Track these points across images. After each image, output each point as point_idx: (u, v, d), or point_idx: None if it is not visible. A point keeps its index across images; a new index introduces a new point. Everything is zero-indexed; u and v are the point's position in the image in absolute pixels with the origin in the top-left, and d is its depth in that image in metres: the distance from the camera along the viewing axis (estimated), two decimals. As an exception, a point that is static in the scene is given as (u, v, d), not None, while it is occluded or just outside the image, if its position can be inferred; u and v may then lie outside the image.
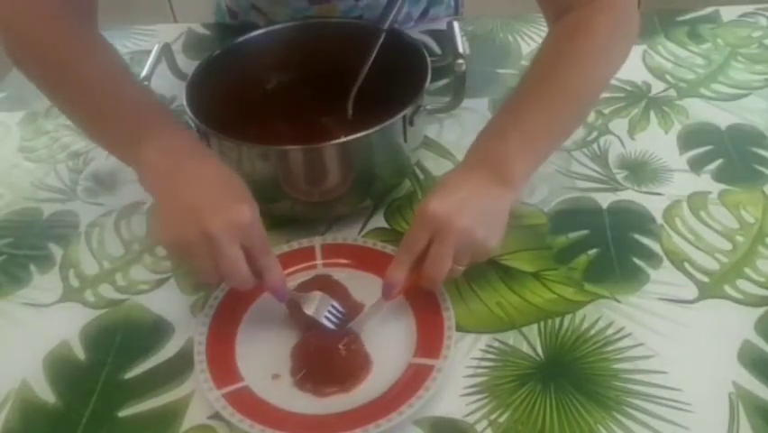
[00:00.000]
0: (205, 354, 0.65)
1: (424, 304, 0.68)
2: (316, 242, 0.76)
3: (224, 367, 0.65)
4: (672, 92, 0.95)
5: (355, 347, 0.66)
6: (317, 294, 0.68)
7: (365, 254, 0.74)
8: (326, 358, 0.65)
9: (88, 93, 0.68)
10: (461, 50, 0.76)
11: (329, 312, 0.67)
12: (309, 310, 0.66)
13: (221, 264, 0.61)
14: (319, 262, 0.74)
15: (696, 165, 0.84)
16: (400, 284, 0.65)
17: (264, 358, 0.66)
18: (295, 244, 0.76)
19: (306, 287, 0.71)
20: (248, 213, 0.61)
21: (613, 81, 0.96)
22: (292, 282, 0.72)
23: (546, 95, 0.68)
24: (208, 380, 0.63)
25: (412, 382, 0.62)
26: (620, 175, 0.83)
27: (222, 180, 0.65)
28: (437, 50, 1.04)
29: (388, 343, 0.67)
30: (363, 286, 0.71)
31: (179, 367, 0.67)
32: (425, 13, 1.11)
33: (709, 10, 1.10)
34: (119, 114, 0.68)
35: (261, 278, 0.64)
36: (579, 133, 0.89)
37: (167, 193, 0.64)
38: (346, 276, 0.72)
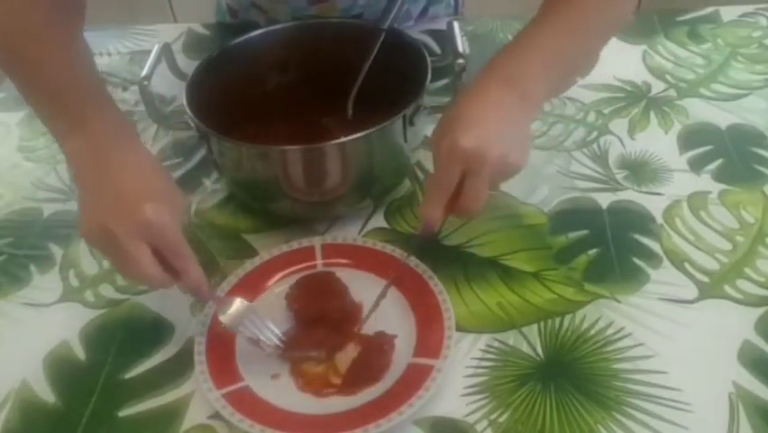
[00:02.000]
0: (205, 354, 0.65)
1: (423, 304, 0.68)
2: (316, 242, 0.76)
3: (224, 367, 0.65)
4: (672, 92, 0.95)
5: (387, 348, 0.66)
6: (238, 300, 0.66)
7: (365, 254, 0.74)
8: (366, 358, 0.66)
9: (36, 77, 0.67)
10: (461, 49, 0.76)
11: (255, 325, 0.65)
12: (223, 318, 0.65)
13: (123, 263, 0.60)
14: (319, 262, 0.74)
15: (696, 165, 0.84)
16: (440, 222, 0.65)
17: (264, 358, 0.66)
18: (295, 244, 0.76)
19: (307, 283, 0.71)
20: (154, 213, 0.59)
21: (613, 81, 0.97)
22: (292, 278, 0.72)
23: (564, 24, 0.67)
24: (208, 380, 0.63)
25: (412, 382, 0.62)
26: (620, 175, 0.83)
27: (142, 175, 0.63)
28: (437, 50, 1.04)
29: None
30: (363, 286, 0.71)
31: (179, 367, 0.67)
32: (424, 11, 1.11)
33: (709, 10, 1.10)
34: (55, 98, 0.66)
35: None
36: (579, 133, 0.89)
37: (85, 185, 0.64)
38: (346, 276, 0.72)
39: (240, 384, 0.64)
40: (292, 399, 0.63)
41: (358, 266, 0.73)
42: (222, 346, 0.67)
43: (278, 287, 0.72)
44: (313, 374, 0.65)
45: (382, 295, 0.70)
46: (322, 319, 0.68)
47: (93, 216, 0.61)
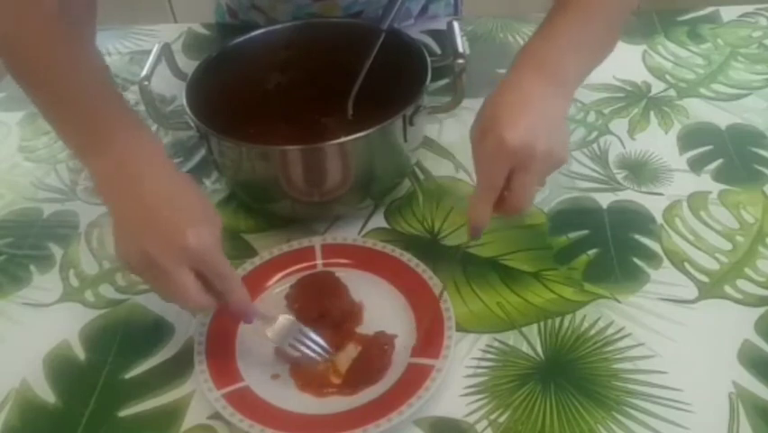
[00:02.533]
0: (205, 354, 0.65)
1: (423, 304, 0.68)
2: (316, 242, 0.76)
3: (223, 367, 0.65)
4: (672, 92, 0.95)
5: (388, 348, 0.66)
6: (285, 318, 0.66)
7: (365, 254, 0.74)
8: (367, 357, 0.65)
9: (54, 92, 0.64)
10: (460, 50, 0.75)
11: (301, 341, 0.65)
12: (272, 335, 0.65)
13: (167, 289, 0.59)
14: (319, 262, 0.74)
15: (696, 165, 0.84)
16: (487, 222, 0.63)
17: (264, 358, 0.66)
18: (295, 244, 0.76)
19: (306, 283, 0.71)
20: (197, 238, 0.58)
21: (613, 81, 0.97)
22: (292, 278, 0.72)
23: (586, 9, 0.67)
24: (208, 380, 0.63)
25: (412, 382, 0.62)
26: (620, 175, 0.83)
27: (178, 196, 0.61)
28: (437, 50, 1.04)
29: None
30: (363, 286, 0.71)
31: (179, 367, 0.67)
32: (424, 9, 1.11)
33: (709, 10, 1.10)
34: (76, 114, 0.64)
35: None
36: (579, 133, 0.89)
37: (117, 206, 0.61)
38: (346, 276, 0.72)
39: (240, 384, 0.64)
40: (292, 399, 0.63)
41: (358, 266, 0.73)
42: (222, 346, 0.67)
43: (278, 287, 0.72)
44: (313, 374, 0.64)
45: None
46: (322, 319, 0.68)
47: (132, 241, 0.59)
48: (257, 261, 0.74)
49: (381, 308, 0.69)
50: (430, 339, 0.65)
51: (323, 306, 0.68)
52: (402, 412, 0.59)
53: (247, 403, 0.62)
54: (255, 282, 0.72)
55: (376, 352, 0.65)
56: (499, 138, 0.60)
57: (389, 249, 0.74)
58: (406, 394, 0.61)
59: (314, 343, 0.65)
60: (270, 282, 0.73)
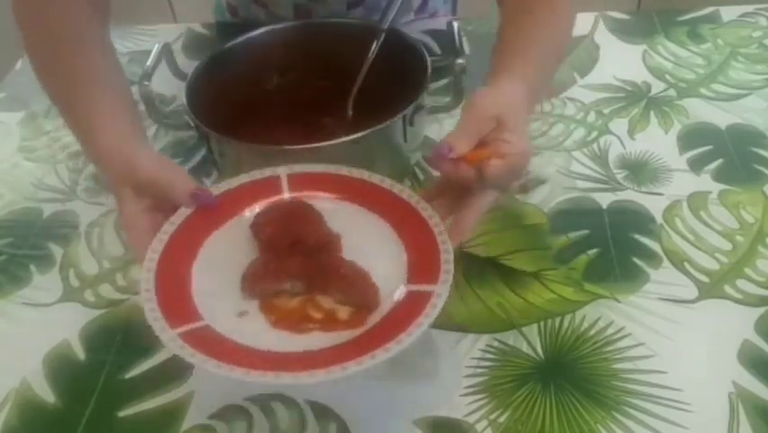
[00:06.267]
0: (155, 290, 0.56)
1: (412, 230, 0.61)
2: (281, 171, 0.66)
3: (177, 306, 0.56)
4: (672, 92, 0.95)
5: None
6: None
7: (341, 184, 0.65)
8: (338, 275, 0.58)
9: (74, 87, 0.70)
10: (461, 49, 0.75)
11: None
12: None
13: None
14: (286, 196, 0.66)
15: (696, 165, 0.84)
16: (458, 152, 0.57)
17: (225, 295, 0.58)
18: (256, 174, 0.66)
19: (276, 209, 0.63)
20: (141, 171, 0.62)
21: (613, 81, 0.97)
22: (256, 207, 0.65)
23: (533, 54, 0.69)
24: (159, 318, 0.54)
25: (409, 310, 0.54)
26: (620, 175, 0.83)
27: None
28: (437, 50, 1.04)
29: (374, 272, 0.59)
30: (340, 217, 0.62)
31: (179, 367, 0.66)
32: (423, 4, 1.11)
33: (709, 10, 1.10)
34: (94, 121, 0.68)
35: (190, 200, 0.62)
36: (579, 133, 0.89)
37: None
38: (319, 206, 0.63)
39: (199, 323, 0.55)
40: (265, 337, 0.55)
41: (333, 196, 0.65)
42: (174, 284, 0.58)
43: (241, 218, 0.65)
44: (288, 310, 0.57)
45: None
46: (295, 247, 0.60)
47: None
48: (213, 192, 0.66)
49: (363, 237, 0.62)
50: (425, 265, 0.58)
51: (295, 232, 0.61)
52: (401, 341, 0.51)
53: (210, 342, 0.53)
54: (213, 215, 0.64)
55: (361, 281, 0.58)
56: (526, 148, 0.61)
57: (366, 174, 0.65)
58: (404, 323, 0.52)
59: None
60: (232, 215, 0.65)
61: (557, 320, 0.68)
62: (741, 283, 0.70)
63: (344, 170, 0.66)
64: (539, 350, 0.66)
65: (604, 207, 0.79)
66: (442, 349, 0.66)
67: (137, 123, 0.71)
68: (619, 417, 0.60)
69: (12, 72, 1.05)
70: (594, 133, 0.89)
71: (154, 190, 0.63)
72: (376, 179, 0.66)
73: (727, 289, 0.70)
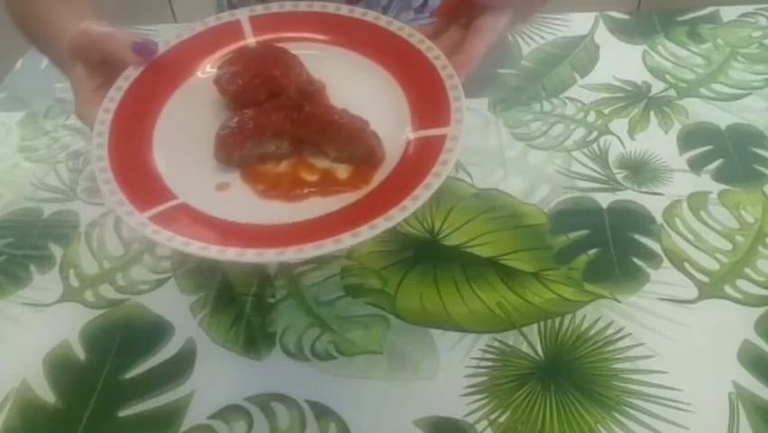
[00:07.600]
0: (111, 171, 0.48)
1: (411, 69, 0.52)
2: (241, 14, 0.55)
3: (144, 186, 0.48)
4: (672, 92, 0.95)
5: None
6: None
7: (317, 24, 0.54)
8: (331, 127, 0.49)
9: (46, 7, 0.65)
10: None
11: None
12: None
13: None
14: (251, 41, 0.56)
15: (696, 165, 0.84)
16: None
17: (199, 171, 0.50)
18: (211, 21, 0.56)
19: (243, 57, 0.53)
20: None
21: (613, 81, 0.97)
22: (216, 59, 0.55)
23: None
24: (124, 202, 0.46)
25: (422, 158, 0.46)
26: (620, 175, 0.83)
27: None
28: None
29: (373, 120, 0.50)
30: (321, 63, 0.52)
31: (179, 367, 0.67)
32: (423, 5, 1.10)
33: (709, 10, 1.10)
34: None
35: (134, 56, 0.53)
36: (579, 133, 0.89)
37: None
38: (293, 51, 0.53)
39: (172, 202, 0.47)
40: (252, 209, 0.47)
41: (308, 38, 0.55)
42: (134, 163, 0.49)
43: (202, 74, 0.55)
44: (276, 175, 0.49)
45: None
46: (274, 99, 0.51)
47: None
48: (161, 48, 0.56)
49: (352, 84, 0.53)
50: (431, 106, 0.50)
51: (271, 82, 0.51)
52: (418, 197, 0.43)
53: (186, 222, 0.46)
54: (167, 75, 0.55)
55: (359, 131, 0.49)
56: None
57: (346, 9, 0.55)
58: (418, 175, 0.44)
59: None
60: (190, 72, 0.55)
61: (557, 320, 0.68)
62: (741, 283, 0.70)
63: (317, 6, 0.56)
64: (539, 350, 0.66)
65: (604, 207, 0.79)
66: (442, 349, 0.66)
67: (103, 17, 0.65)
68: (619, 417, 0.61)
69: (12, 72, 1.05)
70: (594, 133, 0.89)
71: (94, 50, 0.54)
72: (357, 13, 0.55)
73: (727, 289, 0.70)
